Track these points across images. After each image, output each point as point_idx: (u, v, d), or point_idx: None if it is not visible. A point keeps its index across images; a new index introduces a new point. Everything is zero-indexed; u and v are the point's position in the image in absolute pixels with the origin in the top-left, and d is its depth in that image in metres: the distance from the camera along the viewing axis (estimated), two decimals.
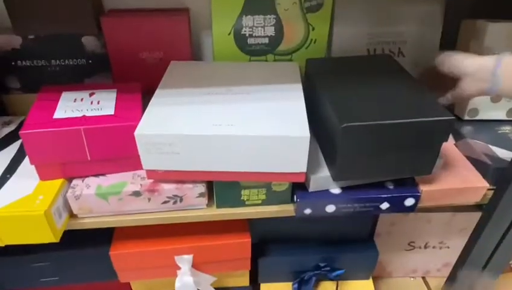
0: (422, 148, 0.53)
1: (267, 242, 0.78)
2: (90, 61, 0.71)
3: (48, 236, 0.53)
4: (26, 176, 0.56)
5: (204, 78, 0.63)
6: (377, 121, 0.49)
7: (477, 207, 0.76)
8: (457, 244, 0.73)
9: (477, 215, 0.63)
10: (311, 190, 0.58)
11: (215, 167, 0.53)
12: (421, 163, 0.55)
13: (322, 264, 0.77)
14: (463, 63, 0.55)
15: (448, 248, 0.84)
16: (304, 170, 0.53)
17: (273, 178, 0.55)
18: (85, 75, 0.72)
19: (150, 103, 0.56)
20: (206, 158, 0.52)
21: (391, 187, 0.59)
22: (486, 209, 0.62)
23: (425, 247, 0.84)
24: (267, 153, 0.52)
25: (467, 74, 0.55)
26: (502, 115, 0.72)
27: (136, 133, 0.50)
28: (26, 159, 0.56)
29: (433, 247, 0.84)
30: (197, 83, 0.61)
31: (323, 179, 0.57)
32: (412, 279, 0.90)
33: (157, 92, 0.59)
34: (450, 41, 0.73)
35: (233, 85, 0.60)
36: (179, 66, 0.67)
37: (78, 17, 0.65)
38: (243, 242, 0.68)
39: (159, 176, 0.55)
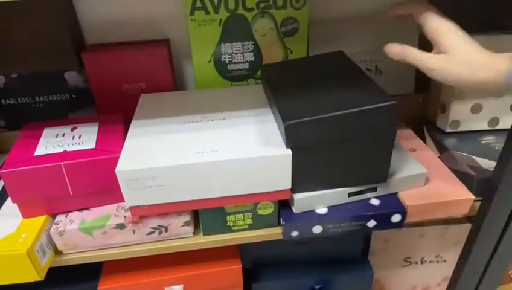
0: (371, 144, 0.53)
1: (260, 267, 0.77)
2: (73, 96, 0.71)
3: (32, 275, 0.53)
4: (10, 215, 0.56)
5: (177, 108, 0.63)
6: (318, 115, 0.49)
7: (468, 219, 0.75)
8: (454, 258, 0.72)
9: (470, 227, 0.63)
10: (296, 211, 0.57)
11: (201, 195, 0.53)
12: (375, 164, 0.55)
13: (316, 287, 0.76)
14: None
15: (445, 261, 0.82)
16: (289, 186, 0.54)
17: (259, 198, 0.55)
18: (69, 110, 0.73)
19: (126, 139, 0.55)
20: (192, 187, 0.52)
21: (376, 204, 0.59)
22: (475, 221, 0.62)
23: (422, 262, 0.83)
24: (252, 174, 0.52)
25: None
26: (484, 126, 0.72)
27: (117, 170, 0.49)
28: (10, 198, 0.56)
29: (430, 261, 0.83)
30: (170, 114, 0.61)
31: (307, 199, 0.57)
32: None
33: (131, 127, 0.58)
34: None
35: (207, 112, 0.61)
36: (149, 99, 0.66)
37: (60, 54, 0.66)
38: (234, 269, 0.67)
39: (144, 212, 0.54)
